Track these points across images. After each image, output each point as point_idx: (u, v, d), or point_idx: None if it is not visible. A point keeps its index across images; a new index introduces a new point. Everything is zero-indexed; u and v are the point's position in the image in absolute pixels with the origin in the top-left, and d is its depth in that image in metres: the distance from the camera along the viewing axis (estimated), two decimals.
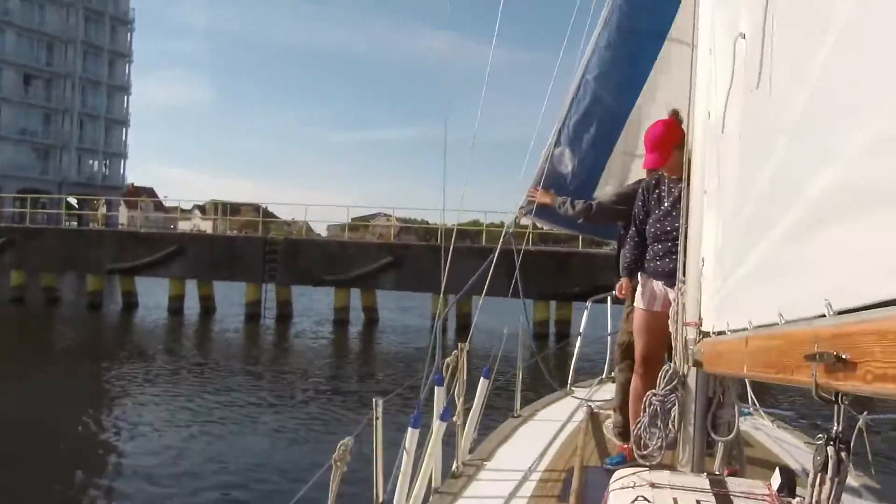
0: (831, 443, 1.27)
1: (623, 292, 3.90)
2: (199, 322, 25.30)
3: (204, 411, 11.51)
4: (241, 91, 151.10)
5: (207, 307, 26.89)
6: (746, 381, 4.06)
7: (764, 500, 2.10)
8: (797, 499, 2.12)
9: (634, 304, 3.80)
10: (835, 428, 1.26)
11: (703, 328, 2.78)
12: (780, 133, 1.43)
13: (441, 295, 4.59)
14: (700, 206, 3.00)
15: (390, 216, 42.37)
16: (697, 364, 2.81)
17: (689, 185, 3.08)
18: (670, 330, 3.15)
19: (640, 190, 3.80)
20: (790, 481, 2.19)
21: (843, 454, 1.26)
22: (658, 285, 3.65)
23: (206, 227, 44.02)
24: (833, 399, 1.20)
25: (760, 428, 4.50)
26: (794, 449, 4.17)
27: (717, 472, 2.79)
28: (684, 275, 3.02)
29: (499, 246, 4.77)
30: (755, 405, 4.80)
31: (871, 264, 1.11)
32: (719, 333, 2.48)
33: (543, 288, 22.28)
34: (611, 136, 5.01)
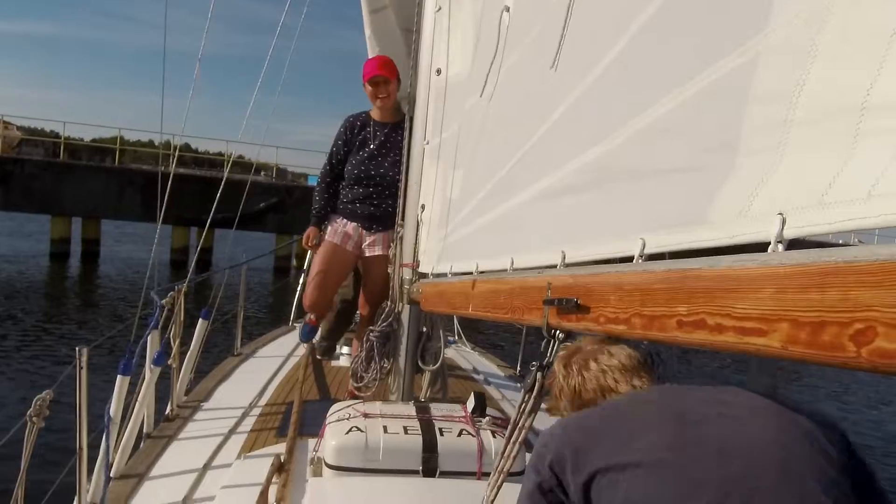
0: (541, 370, 1.52)
1: (309, 242, 3.72)
2: None
3: None
4: None
5: None
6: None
7: (460, 422, 2.43)
8: (486, 417, 2.49)
9: (326, 238, 3.65)
10: (547, 358, 1.51)
11: (422, 269, 3.03)
12: (554, 112, 1.61)
13: (159, 223, 4.12)
14: (420, 156, 3.21)
15: (10, 124, 36.55)
16: (413, 302, 3.06)
17: (410, 135, 3.27)
18: (388, 271, 3.36)
19: (342, 129, 3.62)
20: (482, 403, 2.56)
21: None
22: (352, 226, 3.59)
23: None
24: (551, 335, 1.44)
25: (463, 354, 5.08)
26: (489, 372, 4.79)
27: (422, 399, 3.10)
28: (403, 219, 3.22)
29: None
30: (460, 335, 5.39)
31: (599, 228, 1.35)
32: (439, 275, 2.73)
33: (184, 213, 20.33)
34: None
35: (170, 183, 4.14)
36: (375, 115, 3.61)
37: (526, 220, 1.77)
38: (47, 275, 19.40)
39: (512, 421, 1.50)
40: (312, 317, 3.63)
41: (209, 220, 4.31)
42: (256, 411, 3.40)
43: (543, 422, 1.52)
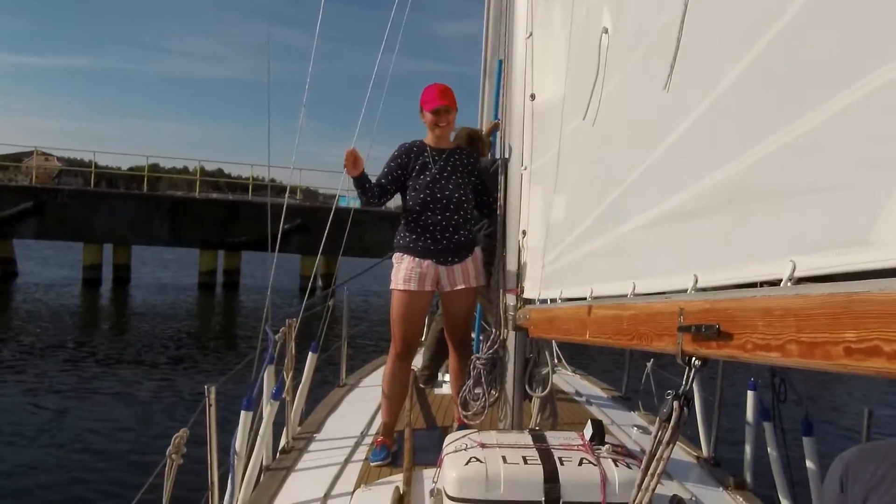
0: (677, 399, 1.48)
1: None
2: None
3: None
4: None
5: None
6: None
7: (579, 450, 2.37)
8: (606, 445, 2.43)
9: (395, 287, 3.39)
10: (683, 387, 1.47)
11: (527, 295, 3.02)
12: (671, 133, 1.59)
13: (275, 251, 4.18)
14: (519, 181, 3.22)
15: (49, 156, 37.33)
16: (519, 328, 3.05)
17: (507, 160, 3.29)
18: (490, 298, 3.36)
19: (397, 153, 3.47)
20: (600, 431, 2.49)
21: (685, 408, 1.48)
22: (426, 264, 3.35)
23: None
24: (687, 363, 1.40)
25: (564, 378, 5.02)
26: (593, 395, 4.71)
27: (535, 427, 3.07)
28: (504, 245, 3.23)
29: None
30: (559, 358, 5.34)
31: (735, 251, 1.31)
32: (546, 301, 2.72)
33: (209, 236, 22.15)
34: None
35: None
36: (431, 141, 3.50)
37: (647, 245, 1.73)
38: (80, 301, 19.94)
39: (648, 452, 1.46)
40: (380, 437, 3.34)
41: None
42: (368, 440, 3.46)
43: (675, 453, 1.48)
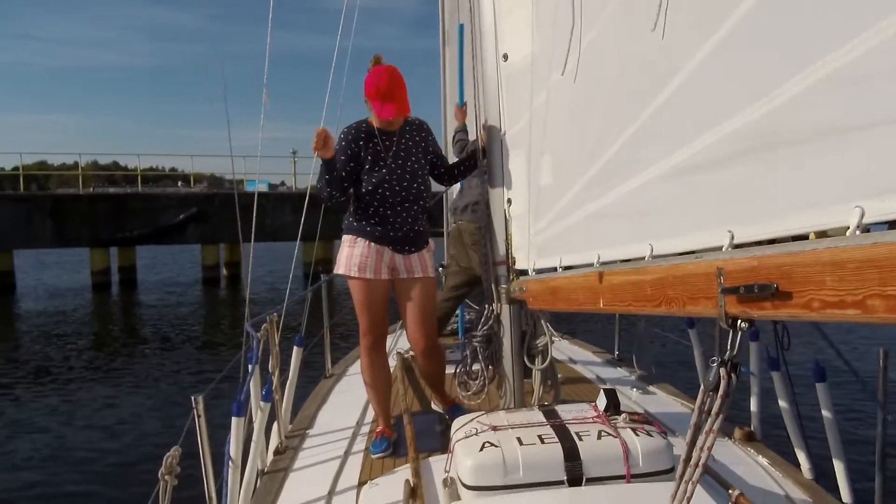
0: (724, 365, 1.36)
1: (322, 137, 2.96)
2: None
3: None
4: None
5: None
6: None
7: (596, 423, 2.25)
8: (622, 415, 2.31)
9: (347, 273, 3.14)
10: (728, 352, 1.35)
11: (519, 266, 2.89)
12: (673, 77, 1.46)
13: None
14: (499, 149, 3.07)
15: None
16: (514, 301, 2.93)
17: (485, 127, 3.14)
18: (480, 272, 3.23)
19: (344, 143, 3.11)
20: (614, 400, 2.37)
21: (733, 375, 1.37)
22: (383, 249, 3.13)
23: None
24: (731, 326, 1.28)
25: (557, 346, 4.92)
26: (586, 360, 4.64)
27: (542, 402, 2.97)
28: (490, 215, 3.09)
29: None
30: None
31: (778, 200, 1.19)
32: (542, 271, 2.59)
33: (97, 234, 20.70)
34: None
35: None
36: (377, 123, 3.15)
37: (660, 202, 1.61)
38: None
39: (692, 424, 1.35)
40: (378, 427, 3.18)
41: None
42: (364, 430, 3.33)
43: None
